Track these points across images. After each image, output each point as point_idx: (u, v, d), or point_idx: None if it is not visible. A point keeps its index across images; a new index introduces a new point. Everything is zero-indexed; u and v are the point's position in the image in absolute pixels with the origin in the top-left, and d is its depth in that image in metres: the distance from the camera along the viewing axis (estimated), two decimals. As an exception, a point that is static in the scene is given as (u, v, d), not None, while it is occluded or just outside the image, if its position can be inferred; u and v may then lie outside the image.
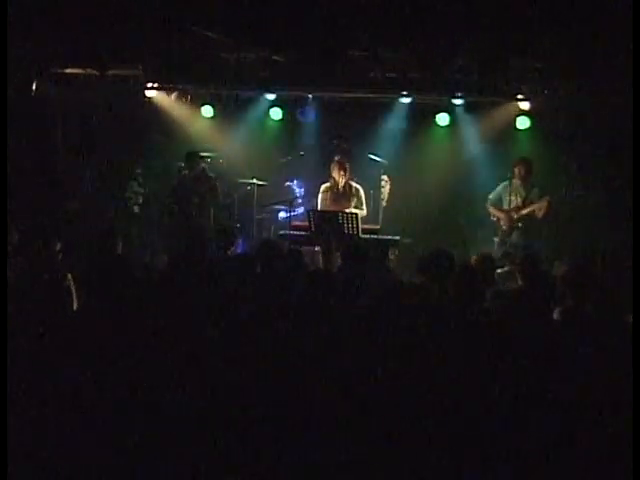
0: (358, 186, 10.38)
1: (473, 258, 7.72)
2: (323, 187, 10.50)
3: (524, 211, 10.42)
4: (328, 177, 10.50)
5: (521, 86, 10.44)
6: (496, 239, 10.60)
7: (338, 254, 9.03)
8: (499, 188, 10.64)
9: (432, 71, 10.01)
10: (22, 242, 8.13)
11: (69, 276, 6.71)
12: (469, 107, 10.83)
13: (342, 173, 10.33)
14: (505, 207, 10.47)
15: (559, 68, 9.86)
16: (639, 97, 7.56)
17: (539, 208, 10.32)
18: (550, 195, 10.26)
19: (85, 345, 4.66)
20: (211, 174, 10.64)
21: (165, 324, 5.46)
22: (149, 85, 10.93)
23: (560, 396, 4.49)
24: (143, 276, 7.25)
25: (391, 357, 5.07)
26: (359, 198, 10.29)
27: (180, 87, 11.10)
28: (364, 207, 10.29)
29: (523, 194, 10.46)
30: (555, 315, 5.98)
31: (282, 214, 11.17)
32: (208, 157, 11.26)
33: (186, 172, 10.67)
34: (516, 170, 10.42)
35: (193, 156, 10.65)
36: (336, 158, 10.51)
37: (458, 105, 11.00)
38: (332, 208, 10.20)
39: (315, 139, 11.84)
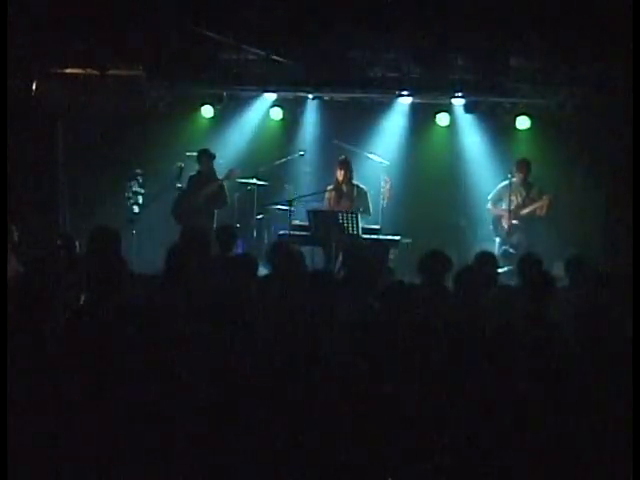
0: (363, 187, 10.36)
1: (474, 257, 7.72)
2: (328, 188, 10.53)
3: (525, 210, 10.43)
4: (328, 177, 10.54)
5: (521, 86, 10.43)
6: (497, 239, 10.61)
7: (339, 254, 9.03)
8: (499, 188, 10.65)
9: (432, 71, 10.00)
10: (22, 241, 8.14)
11: (68, 276, 6.71)
12: (469, 107, 10.82)
13: (343, 173, 10.33)
14: (505, 207, 10.48)
15: (559, 68, 9.85)
16: (639, 97, 7.56)
17: (541, 207, 10.34)
18: (550, 194, 10.29)
19: (85, 345, 4.66)
20: (219, 176, 10.62)
21: (164, 324, 5.46)
22: (148, 85, 10.92)
23: (561, 396, 4.49)
24: (142, 276, 7.27)
25: (392, 357, 5.07)
26: (362, 198, 10.25)
27: (180, 87, 11.08)
28: (370, 208, 10.26)
29: (524, 193, 10.47)
30: (555, 315, 5.98)
31: (282, 214, 11.15)
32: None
33: (194, 173, 10.68)
34: (516, 170, 10.43)
35: (205, 154, 10.63)
36: (339, 158, 10.52)
37: (458, 105, 11.00)
38: (334, 208, 10.20)
39: (315, 139, 11.84)
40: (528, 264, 7.00)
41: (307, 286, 6.15)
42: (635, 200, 7.80)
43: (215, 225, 10.30)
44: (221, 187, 10.52)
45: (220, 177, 10.58)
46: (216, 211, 10.58)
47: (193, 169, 10.82)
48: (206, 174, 10.61)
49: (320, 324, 5.67)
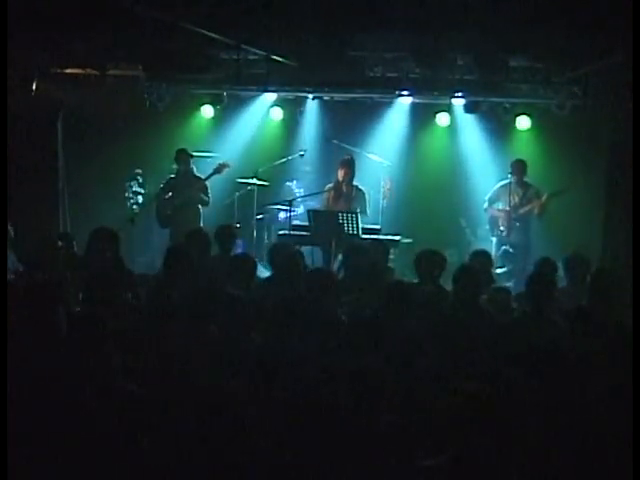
0: (362, 188, 10.34)
1: (469, 256, 7.74)
2: (327, 187, 10.52)
3: (522, 210, 10.43)
4: (328, 177, 10.53)
5: (521, 86, 10.44)
6: (494, 238, 10.62)
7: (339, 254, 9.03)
8: (496, 188, 10.67)
9: (432, 71, 9.98)
10: (22, 241, 8.15)
11: (68, 276, 6.72)
12: (469, 107, 10.82)
13: (344, 172, 10.30)
14: (502, 207, 10.49)
15: (559, 68, 9.85)
16: (639, 97, 7.56)
17: (537, 206, 10.35)
18: (548, 194, 10.33)
19: (84, 345, 4.66)
20: (199, 175, 10.60)
21: (163, 324, 5.47)
22: (148, 85, 10.93)
23: (560, 397, 4.49)
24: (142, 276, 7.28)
25: (393, 356, 5.08)
26: (360, 199, 10.23)
27: (180, 87, 11.09)
28: (367, 209, 10.25)
29: (520, 193, 10.48)
30: (554, 315, 5.99)
31: (282, 214, 11.16)
32: (208, 157, 11.27)
33: (173, 175, 10.70)
34: (511, 171, 10.45)
35: (181, 154, 10.63)
36: (343, 157, 10.50)
37: (458, 105, 11.00)
38: (332, 208, 10.19)
39: (315, 139, 11.84)
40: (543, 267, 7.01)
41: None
42: (635, 200, 7.79)
43: (202, 224, 10.31)
44: (203, 187, 10.49)
45: (204, 175, 10.56)
46: (202, 211, 10.57)
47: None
48: (184, 174, 10.60)
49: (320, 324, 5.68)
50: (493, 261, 7.84)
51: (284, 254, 7.33)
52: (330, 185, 10.50)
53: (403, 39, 9.35)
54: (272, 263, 7.45)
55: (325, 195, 10.49)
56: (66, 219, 11.01)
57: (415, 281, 7.10)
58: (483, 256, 7.51)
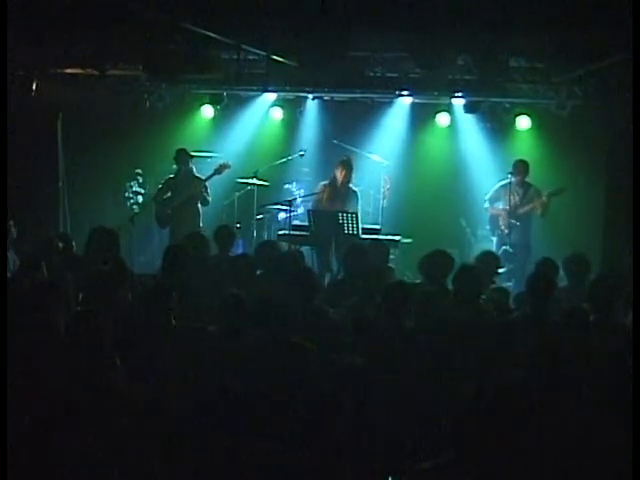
0: (356, 189, 10.32)
1: (475, 257, 7.73)
2: (320, 185, 10.45)
3: (521, 210, 10.42)
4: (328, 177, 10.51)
5: (521, 86, 10.44)
6: (494, 238, 10.61)
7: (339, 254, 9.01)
8: (496, 188, 10.66)
9: (432, 71, 9.98)
10: (22, 241, 8.15)
11: (68, 276, 6.72)
12: (469, 107, 10.82)
13: (344, 173, 10.27)
14: (502, 207, 10.48)
15: (559, 68, 9.85)
16: (639, 97, 7.56)
17: (537, 206, 10.34)
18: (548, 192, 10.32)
19: (83, 345, 4.66)
20: (200, 175, 10.58)
21: (162, 324, 5.48)
22: (148, 85, 10.93)
23: (559, 397, 4.49)
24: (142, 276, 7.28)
25: (392, 356, 5.08)
26: (353, 201, 10.18)
27: (180, 87, 11.09)
28: (358, 211, 10.22)
29: (521, 193, 10.47)
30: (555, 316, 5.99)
31: (282, 214, 11.15)
32: (208, 157, 11.27)
33: (172, 175, 10.69)
34: (513, 171, 10.44)
35: (181, 154, 10.60)
36: (342, 158, 10.47)
37: (458, 105, 11.00)
38: (327, 207, 10.13)
39: (315, 139, 11.84)
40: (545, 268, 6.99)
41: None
42: (635, 200, 7.80)
43: (202, 224, 10.30)
44: (202, 187, 10.49)
45: (204, 175, 10.56)
46: (201, 211, 10.56)
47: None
48: (184, 174, 10.59)
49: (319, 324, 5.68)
50: (498, 260, 7.81)
51: (271, 256, 7.30)
52: (325, 182, 10.44)
53: (403, 39, 9.35)
54: (260, 263, 7.39)
55: (318, 196, 10.38)
56: (66, 219, 11.01)
57: (417, 281, 7.09)
58: (490, 257, 7.51)
